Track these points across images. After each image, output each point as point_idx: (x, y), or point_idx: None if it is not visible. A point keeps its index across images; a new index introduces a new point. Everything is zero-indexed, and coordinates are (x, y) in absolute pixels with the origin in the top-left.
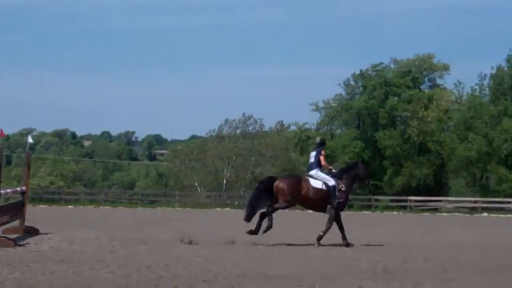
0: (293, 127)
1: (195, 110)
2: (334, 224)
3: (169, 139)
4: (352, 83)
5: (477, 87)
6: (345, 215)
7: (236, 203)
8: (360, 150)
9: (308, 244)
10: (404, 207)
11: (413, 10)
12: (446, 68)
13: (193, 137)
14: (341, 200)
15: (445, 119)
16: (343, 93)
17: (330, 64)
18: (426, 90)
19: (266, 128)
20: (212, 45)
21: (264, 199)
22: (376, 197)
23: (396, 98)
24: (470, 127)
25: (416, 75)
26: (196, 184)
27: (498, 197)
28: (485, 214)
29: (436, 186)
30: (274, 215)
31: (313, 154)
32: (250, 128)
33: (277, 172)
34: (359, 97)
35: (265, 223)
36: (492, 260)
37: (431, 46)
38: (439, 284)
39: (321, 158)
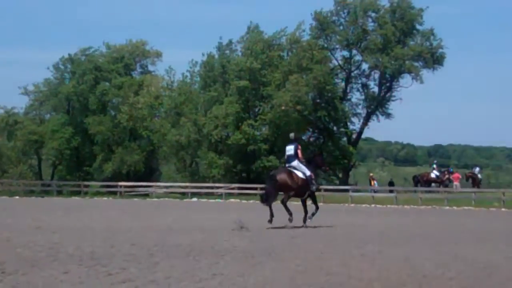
0: (0, 111)
1: None
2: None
3: None
4: (62, 67)
5: (188, 73)
6: (55, 201)
7: None
8: (70, 135)
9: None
10: (115, 193)
11: None
12: (158, 54)
13: None
14: (317, 186)
15: (156, 105)
16: (52, 77)
17: (41, 47)
18: (137, 76)
19: None
20: None
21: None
22: (86, 183)
23: (107, 83)
24: (180, 113)
25: (129, 61)
26: None
27: (208, 182)
28: (194, 199)
29: (147, 172)
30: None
31: (290, 147)
32: None
33: None
34: (68, 82)
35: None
36: (198, 243)
37: (144, 32)
38: (145, 267)
39: (299, 152)
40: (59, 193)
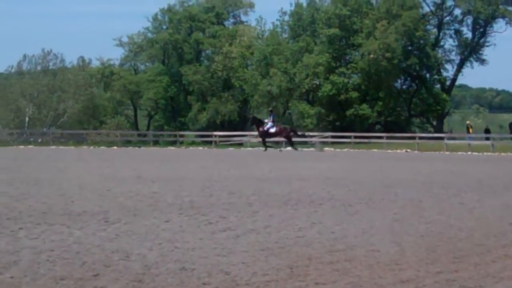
0: (96, 63)
1: None
2: None
3: None
4: (160, 18)
5: (278, 23)
6: (151, 151)
7: (40, 140)
8: (166, 85)
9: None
10: (210, 142)
11: None
12: (251, 5)
13: None
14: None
15: (248, 55)
16: (150, 27)
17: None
18: (230, 27)
19: (67, 64)
20: None
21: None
22: (181, 132)
23: (201, 33)
24: (271, 63)
25: (220, 11)
26: None
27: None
28: (289, 148)
29: (241, 121)
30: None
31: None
32: (50, 64)
33: (81, 108)
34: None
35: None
36: (295, 192)
37: None
38: (244, 216)
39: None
40: (155, 143)
